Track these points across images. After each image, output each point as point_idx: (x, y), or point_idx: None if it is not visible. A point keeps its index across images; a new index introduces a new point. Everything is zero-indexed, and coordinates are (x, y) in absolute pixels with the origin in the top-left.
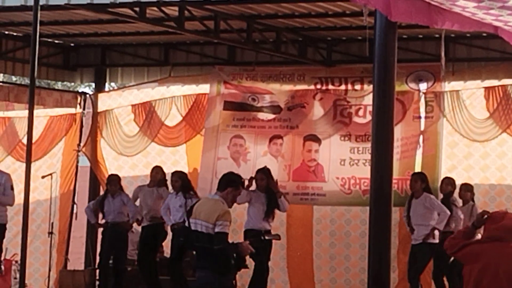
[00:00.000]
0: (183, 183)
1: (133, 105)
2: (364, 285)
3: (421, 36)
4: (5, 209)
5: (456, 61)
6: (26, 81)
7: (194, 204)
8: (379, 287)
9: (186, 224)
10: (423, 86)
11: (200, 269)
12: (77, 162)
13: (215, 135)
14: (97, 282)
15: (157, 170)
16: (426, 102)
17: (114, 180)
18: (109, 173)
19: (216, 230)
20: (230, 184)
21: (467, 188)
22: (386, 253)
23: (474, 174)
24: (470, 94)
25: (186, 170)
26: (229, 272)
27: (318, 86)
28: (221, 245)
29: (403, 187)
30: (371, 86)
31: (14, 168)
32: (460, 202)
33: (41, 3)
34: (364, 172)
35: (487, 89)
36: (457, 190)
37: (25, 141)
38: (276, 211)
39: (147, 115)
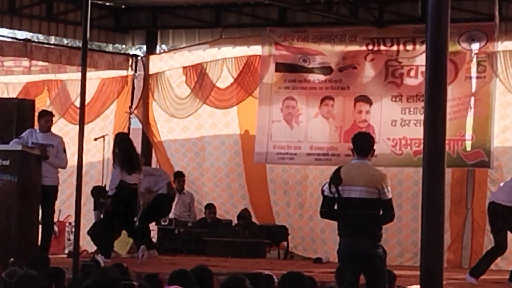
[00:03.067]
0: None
1: (184, 67)
2: (416, 246)
3: None
4: (57, 171)
5: (509, 20)
6: (78, 43)
7: (336, 172)
8: (432, 249)
9: (331, 191)
10: (475, 46)
11: (350, 236)
12: (129, 124)
13: (269, 97)
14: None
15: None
16: (478, 62)
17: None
18: (161, 135)
19: (389, 196)
20: (372, 147)
21: None
22: (440, 215)
23: None
24: None
25: (238, 132)
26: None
27: (370, 47)
28: (393, 211)
29: (455, 148)
30: (423, 46)
31: (67, 131)
32: None
33: None
34: (415, 132)
35: None
36: None
37: (77, 103)
38: None
39: (198, 77)
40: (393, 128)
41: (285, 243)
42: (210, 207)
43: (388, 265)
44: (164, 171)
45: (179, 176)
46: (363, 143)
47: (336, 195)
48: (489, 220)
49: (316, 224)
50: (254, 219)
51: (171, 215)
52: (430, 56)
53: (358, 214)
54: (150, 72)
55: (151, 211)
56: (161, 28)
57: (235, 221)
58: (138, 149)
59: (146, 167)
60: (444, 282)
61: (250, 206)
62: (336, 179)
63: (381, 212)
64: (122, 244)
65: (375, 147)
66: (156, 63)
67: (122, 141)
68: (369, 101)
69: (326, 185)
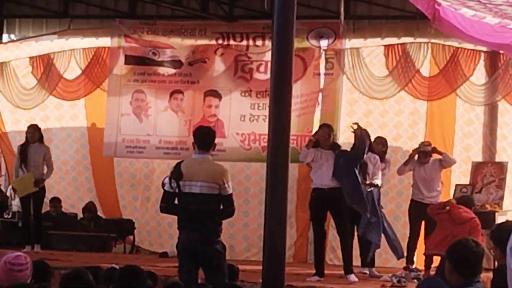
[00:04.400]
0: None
1: (31, 57)
2: (262, 241)
3: None
4: None
5: (357, 18)
6: None
7: (177, 167)
8: (275, 243)
9: (171, 186)
10: (323, 43)
11: (189, 231)
12: None
13: (118, 89)
14: None
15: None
16: (326, 59)
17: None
18: (5, 126)
19: (229, 191)
20: (213, 141)
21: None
22: (283, 210)
23: (372, 132)
24: (370, 51)
25: (85, 125)
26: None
27: (220, 41)
28: (233, 206)
29: (302, 143)
30: None
31: None
32: None
33: None
34: (264, 128)
35: (387, 47)
36: None
37: None
38: None
39: (45, 68)
40: (242, 123)
41: (131, 237)
42: (55, 201)
43: (234, 259)
44: None
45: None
46: (204, 137)
47: (176, 190)
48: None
49: (163, 219)
50: (100, 213)
51: (14, 208)
52: (276, 51)
53: (198, 209)
54: None
55: None
56: (7, 17)
57: (80, 215)
58: None
59: None
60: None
61: (96, 199)
62: (176, 174)
63: (221, 207)
64: None
65: (223, 142)
66: (1, 53)
67: None
68: (218, 96)
69: (167, 179)
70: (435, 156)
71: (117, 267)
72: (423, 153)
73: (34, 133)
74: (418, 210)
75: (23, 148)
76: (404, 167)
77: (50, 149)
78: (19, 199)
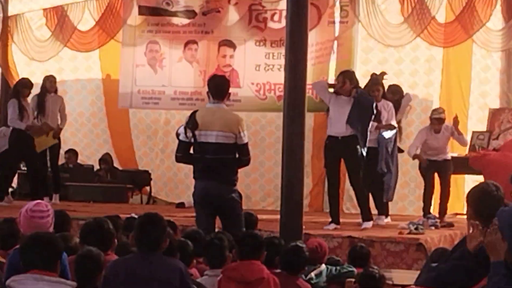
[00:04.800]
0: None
1: (44, 9)
2: (278, 190)
3: None
4: None
5: None
6: None
7: (192, 116)
8: (293, 192)
9: (187, 136)
10: None
11: (205, 180)
12: None
13: (132, 40)
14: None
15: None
16: (341, 7)
17: None
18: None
19: (245, 140)
20: (228, 90)
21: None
22: (299, 158)
23: (388, 80)
24: None
25: (99, 76)
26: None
27: None
28: (249, 155)
29: None
30: None
31: None
32: None
33: None
34: (279, 77)
35: None
36: None
37: None
38: None
39: (59, 20)
40: (257, 72)
41: (147, 188)
42: (71, 153)
43: (251, 209)
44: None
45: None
46: (218, 86)
47: (192, 140)
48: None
49: (179, 169)
50: (116, 164)
51: None
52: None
53: (214, 158)
54: (9, 14)
55: None
56: None
57: (97, 167)
58: None
59: None
60: (304, 227)
61: (112, 151)
62: (192, 123)
63: (237, 156)
64: None
65: (238, 92)
66: (15, 5)
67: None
68: (233, 46)
69: (182, 129)
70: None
71: (136, 216)
72: (437, 120)
73: (55, 82)
74: (429, 165)
75: (41, 99)
76: (413, 147)
77: (64, 100)
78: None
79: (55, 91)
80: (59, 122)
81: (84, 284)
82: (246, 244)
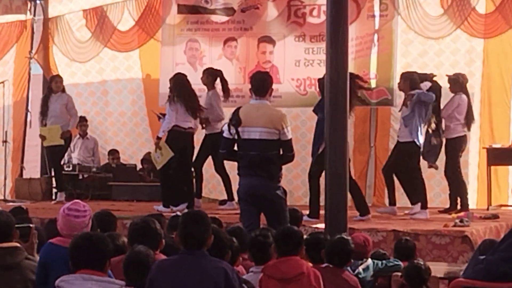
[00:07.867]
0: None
1: (84, 10)
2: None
3: None
4: None
5: None
6: None
7: (235, 113)
8: (337, 182)
9: (230, 133)
10: None
11: (250, 177)
12: (30, 69)
13: (172, 39)
14: (54, 190)
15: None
16: (380, 0)
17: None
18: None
19: (289, 136)
20: (270, 86)
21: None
22: (343, 152)
23: (428, 72)
24: None
25: (140, 76)
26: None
27: None
28: (293, 151)
29: None
30: None
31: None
32: None
33: None
34: (319, 72)
35: None
36: None
37: None
38: None
39: (99, 20)
40: (297, 68)
41: None
42: (114, 153)
43: (293, 205)
44: None
45: (81, 121)
46: (261, 82)
47: (236, 136)
48: (402, 158)
49: None
50: None
51: (74, 161)
52: None
53: (258, 155)
54: (50, 16)
55: None
56: None
57: (139, 166)
58: (39, 95)
59: None
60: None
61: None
62: (235, 120)
63: (281, 153)
64: None
65: (279, 88)
66: (55, 7)
67: (184, 81)
68: (272, 42)
69: (226, 126)
70: None
71: (180, 214)
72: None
73: (61, 82)
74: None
75: (45, 99)
76: None
77: (71, 98)
78: (45, 149)
79: (62, 91)
80: (70, 120)
81: (134, 283)
82: (283, 240)
